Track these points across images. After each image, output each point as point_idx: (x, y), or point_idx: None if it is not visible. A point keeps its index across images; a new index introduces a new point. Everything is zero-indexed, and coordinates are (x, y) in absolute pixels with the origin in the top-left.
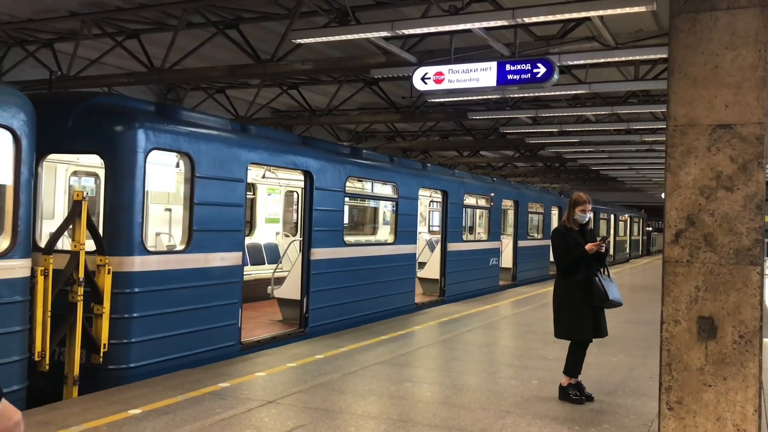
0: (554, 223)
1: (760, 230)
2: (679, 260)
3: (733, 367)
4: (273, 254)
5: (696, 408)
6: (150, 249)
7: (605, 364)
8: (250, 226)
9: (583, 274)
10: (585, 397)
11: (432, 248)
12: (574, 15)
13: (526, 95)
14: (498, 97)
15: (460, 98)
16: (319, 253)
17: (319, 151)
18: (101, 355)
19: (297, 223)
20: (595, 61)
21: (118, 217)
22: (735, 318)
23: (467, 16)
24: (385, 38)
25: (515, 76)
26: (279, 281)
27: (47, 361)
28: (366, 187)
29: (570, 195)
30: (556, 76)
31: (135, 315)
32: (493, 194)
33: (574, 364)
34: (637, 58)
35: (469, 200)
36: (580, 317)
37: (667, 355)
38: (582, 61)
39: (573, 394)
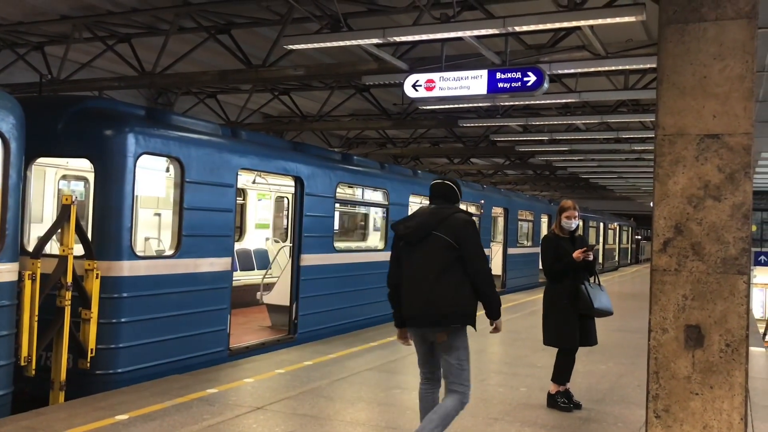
0: (544, 231)
1: (747, 240)
2: (667, 269)
3: (720, 376)
4: (263, 260)
5: (683, 416)
6: (139, 254)
7: (594, 372)
8: (240, 231)
9: (570, 282)
10: (573, 405)
11: None
12: (565, 24)
13: (516, 103)
14: (488, 104)
15: (451, 106)
16: (309, 259)
17: (309, 157)
18: (88, 360)
19: (287, 228)
20: (585, 70)
21: (107, 221)
22: (722, 327)
23: (458, 24)
24: (377, 45)
25: (506, 85)
26: (268, 287)
27: (34, 366)
28: (356, 193)
29: (559, 203)
30: (546, 85)
31: (123, 320)
32: (483, 201)
33: (562, 372)
34: (627, 67)
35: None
36: (567, 325)
37: (655, 363)
38: (572, 70)
39: (561, 401)
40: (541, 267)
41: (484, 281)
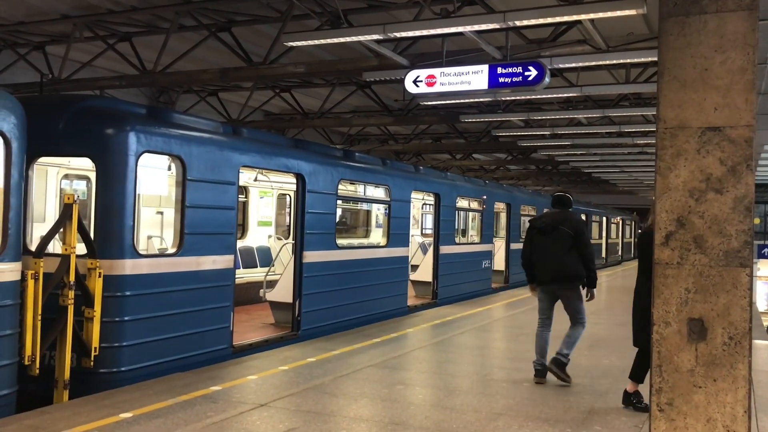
0: None
1: (749, 232)
2: (669, 262)
3: (723, 369)
4: (265, 257)
5: (686, 409)
6: (141, 252)
7: (597, 366)
8: (243, 229)
9: None
10: (645, 405)
11: (425, 251)
12: (565, 18)
13: (518, 98)
14: (490, 99)
15: (453, 101)
16: (311, 256)
17: (311, 154)
18: (92, 358)
19: (289, 226)
20: (586, 64)
21: (110, 220)
22: (725, 319)
23: (459, 19)
24: (378, 41)
25: (507, 79)
26: (271, 284)
27: (37, 365)
28: (358, 189)
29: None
30: (547, 79)
31: (126, 318)
32: (485, 197)
33: (645, 370)
34: (628, 61)
35: (462, 203)
36: None
37: (658, 356)
38: (573, 64)
39: (638, 401)
40: (638, 265)
41: (590, 261)
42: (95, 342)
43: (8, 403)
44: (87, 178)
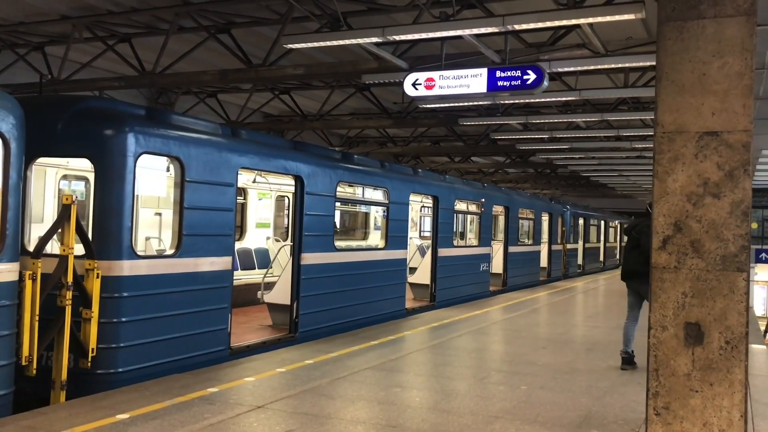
0: (545, 229)
1: (746, 237)
2: (667, 266)
3: (720, 373)
4: (263, 259)
5: (683, 413)
6: (139, 253)
7: (595, 370)
8: (241, 230)
9: None
10: None
11: (423, 253)
12: (564, 22)
13: (516, 101)
14: (489, 103)
15: (451, 104)
16: (309, 258)
17: (310, 156)
18: (89, 359)
19: (287, 227)
20: (585, 68)
21: (108, 221)
22: (721, 324)
23: (458, 22)
24: (377, 44)
25: (505, 83)
26: (269, 286)
27: (34, 366)
28: (357, 192)
29: (560, 201)
30: (545, 83)
31: (124, 319)
32: (483, 200)
33: None
34: (627, 65)
35: (460, 206)
36: None
37: (655, 360)
38: (572, 68)
39: None
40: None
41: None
42: (92, 343)
43: (5, 404)
44: (85, 179)
